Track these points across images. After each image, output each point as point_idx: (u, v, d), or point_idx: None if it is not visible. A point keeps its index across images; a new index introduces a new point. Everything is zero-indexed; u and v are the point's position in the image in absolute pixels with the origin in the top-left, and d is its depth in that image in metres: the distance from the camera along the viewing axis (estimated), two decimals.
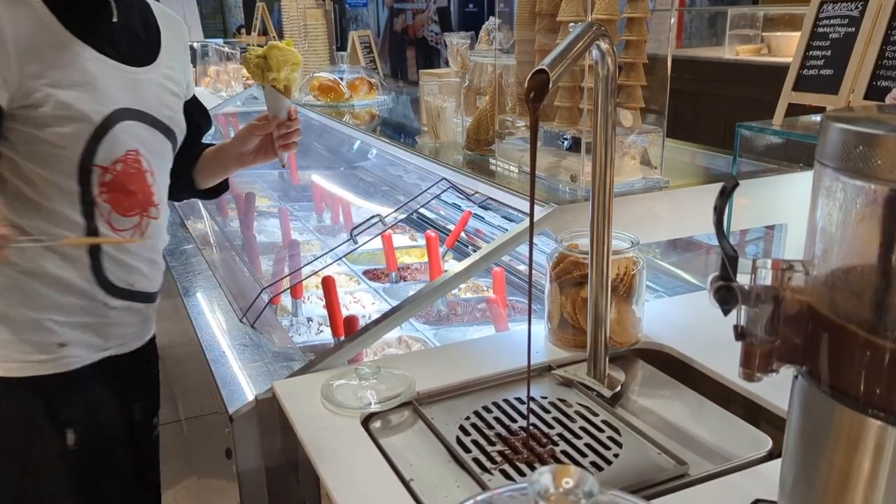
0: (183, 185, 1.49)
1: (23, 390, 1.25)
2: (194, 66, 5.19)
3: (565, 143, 1.63)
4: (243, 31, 6.69)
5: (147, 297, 1.37)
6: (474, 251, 2.27)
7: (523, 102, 1.68)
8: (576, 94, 1.51)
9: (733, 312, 0.70)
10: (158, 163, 1.32)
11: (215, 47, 5.00)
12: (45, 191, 1.19)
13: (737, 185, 0.67)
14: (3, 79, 1.11)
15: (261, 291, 1.75)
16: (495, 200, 1.74)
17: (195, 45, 5.70)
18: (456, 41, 2.04)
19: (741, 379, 0.70)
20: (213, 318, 1.65)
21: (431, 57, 7.93)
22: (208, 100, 4.63)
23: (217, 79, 4.38)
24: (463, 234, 2.30)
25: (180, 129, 1.37)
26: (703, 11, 5.02)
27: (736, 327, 0.69)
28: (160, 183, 1.33)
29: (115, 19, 1.24)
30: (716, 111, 3.88)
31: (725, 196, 0.67)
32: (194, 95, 1.48)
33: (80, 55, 1.19)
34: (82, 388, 1.29)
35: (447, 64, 2.13)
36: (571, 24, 1.43)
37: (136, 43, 1.30)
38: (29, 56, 1.12)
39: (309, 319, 1.88)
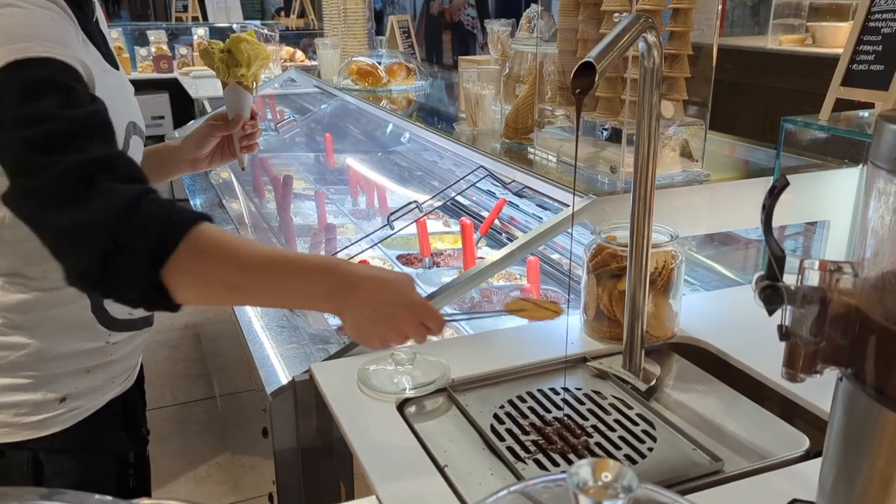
0: None
1: (8, 458, 1.10)
2: None
3: (604, 133, 1.63)
4: (283, 13, 6.73)
5: (146, 322, 1.23)
6: (508, 239, 2.27)
7: (563, 91, 1.68)
8: (618, 84, 1.50)
9: (777, 312, 0.70)
10: None
11: (254, 29, 5.02)
12: None
13: (787, 184, 0.67)
14: None
15: None
16: (531, 189, 1.74)
17: (234, 26, 5.75)
18: (497, 28, 2.03)
19: (784, 379, 0.70)
20: None
21: (467, 41, 7.88)
22: None
23: None
24: (496, 221, 2.30)
25: None
26: None
27: (780, 327, 0.69)
28: None
29: (95, 17, 1.08)
30: (757, 102, 3.82)
31: (775, 195, 0.66)
32: None
33: (96, 63, 1.02)
34: (78, 446, 1.15)
35: (483, 49, 2.13)
36: (616, 13, 1.41)
37: (106, 43, 1.13)
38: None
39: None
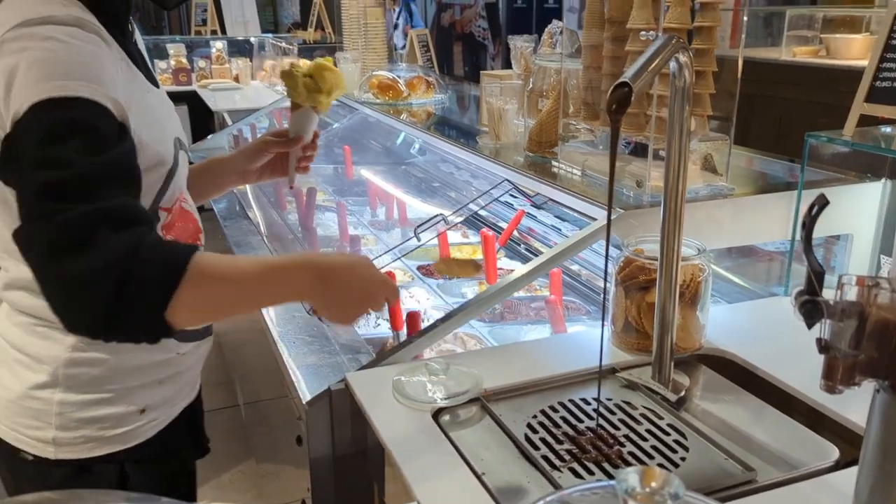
0: None
1: (96, 472, 1.12)
2: (251, 61, 5.32)
3: (627, 147, 1.65)
4: (299, 27, 6.82)
5: (208, 331, 1.26)
6: (527, 250, 2.30)
7: (587, 107, 1.71)
8: (643, 100, 1.53)
9: (815, 325, 0.72)
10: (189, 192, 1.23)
11: (272, 42, 5.08)
12: None
13: (827, 203, 0.69)
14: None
15: None
16: (553, 201, 1.76)
17: (252, 39, 5.83)
18: (519, 44, 2.07)
19: (822, 391, 0.73)
20: (281, 308, 1.71)
21: (478, 53, 7.94)
22: (264, 95, 4.74)
23: (273, 73, 4.46)
24: (515, 232, 2.33)
25: None
26: (759, 11, 4.94)
27: (819, 340, 0.72)
28: (195, 209, 1.25)
29: (134, 38, 1.13)
30: (770, 114, 3.84)
31: (815, 214, 0.69)
32: None
33: (139, 85, 1.06)
34: (158, 456, 1.18)
35: (494, 60, 2.17)
36: (642, 32, 1.44)
37: (146, 62, 1.16)
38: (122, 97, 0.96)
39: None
